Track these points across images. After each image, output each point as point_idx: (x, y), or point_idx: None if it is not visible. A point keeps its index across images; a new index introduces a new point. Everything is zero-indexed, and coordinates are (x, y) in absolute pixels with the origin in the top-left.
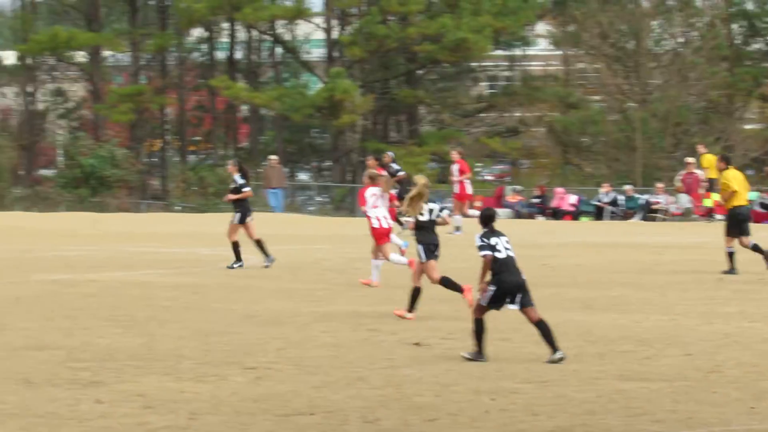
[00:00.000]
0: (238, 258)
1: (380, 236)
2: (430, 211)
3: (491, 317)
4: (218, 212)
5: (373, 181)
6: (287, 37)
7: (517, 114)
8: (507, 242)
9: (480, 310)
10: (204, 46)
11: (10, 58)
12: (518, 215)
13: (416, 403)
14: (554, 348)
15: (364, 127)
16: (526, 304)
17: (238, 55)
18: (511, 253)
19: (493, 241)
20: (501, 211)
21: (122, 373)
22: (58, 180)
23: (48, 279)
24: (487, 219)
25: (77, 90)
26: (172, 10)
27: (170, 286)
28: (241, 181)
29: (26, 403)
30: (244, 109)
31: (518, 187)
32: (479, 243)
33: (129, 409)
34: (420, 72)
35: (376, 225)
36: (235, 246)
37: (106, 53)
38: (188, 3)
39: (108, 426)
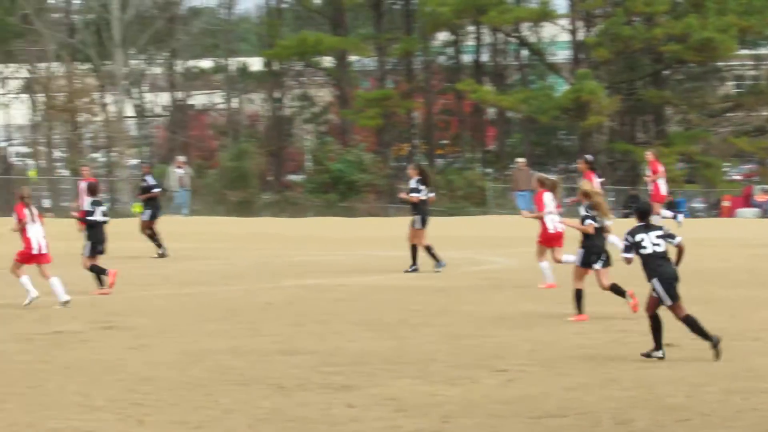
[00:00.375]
0: (437, 259)
1: (551, 240)
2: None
3: (743, 319)
4: (467, 215)
5: (544, 185)
6: (533, 39)
7: (765, 113)
8: (656, 237)
9: (678, 309)
10: (450, 50)
11: (256, 64)
12: (766, 214)
13: (668, 404)
14: (658, 345)
15: (611, 128)
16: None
17: (484, 57)
18: (658, 249)
19: (638, 237)
20: (749, 211)
21: (374, 376)
22: (306, 185)
23: (298, 284)
24: (643, 213)
25: (323, 95)
26: (418, 14)
27: (420, 289)
28: (414, 185)
29: (279, 408)
30: (491, 111)
31: (766, 187)
32: (624, 243)
33: (381, 412)
34: (666, 72)
35: (551, 229)
36: (428, 249)
37: (352, 58)
38: (433, 7)
39: (360, 430)
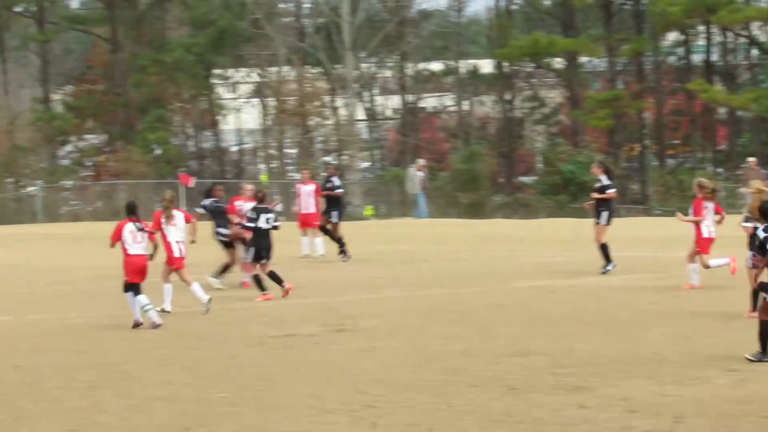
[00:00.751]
0: (608, 259)
1: (704, 245)
2: None
3: None
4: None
5: (703, 190)
6: (763, 38)
7: None
8: None
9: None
10: (680, 50)
11: (486, 66)
12: None
13: None
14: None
15: None
16: None
17: (714, 57)
18: None
19: None
20: None
21: (606, 377)
22: (537, 187)
23: (530, 285)
24: (766, 214)
25: (554, 96)
26: (648, 14)
27: (651, 289)
28: (607, 182)
29: (510, 410)
30: (722, 111)
31: None
32: (764, 235)
33: (612, 413)
34: None
35: (705, 234)
36: (604, 248)
37: (583, 59)
38: (663, 6)
39: (592, 431)
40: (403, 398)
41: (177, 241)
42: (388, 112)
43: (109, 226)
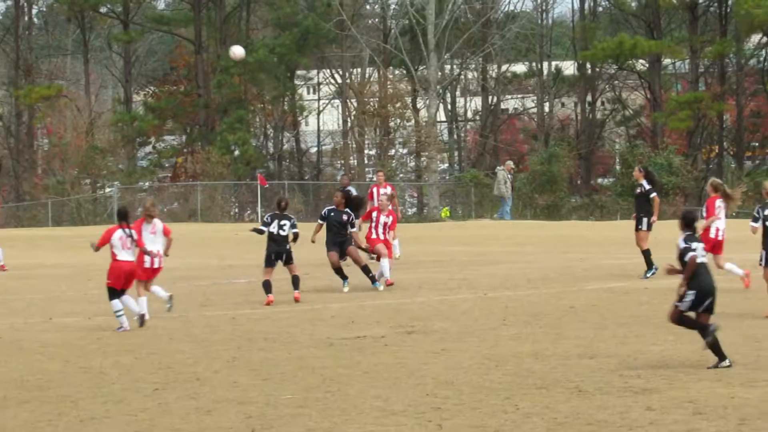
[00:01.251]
0: (650, 265)
1: (713, 247)
2: None
3: None
4: None
5: (717, 191)
6: None
7: None
8: (702, 249)
9: (676, 315)
10: (763, 52)
11: (569, 68)
12: None
13: None
14: (721, 357)
15: None
16: (708, 311)
17: None
18: (705, 260)
19: (693, 245)
20: None
21: (674, 379)
22: (614, 188)
23: (602, 287)
24: (689, 221)
25: (635, 98)
26: (733, 16)
27: (722, 292)
28: (648, 187)
29: (577, 411)
30: None
31: None
32: (683, 245)
33: (679, 415)
34: None
35: (712, 235)
36: (646, 254)
37: (666, 61)
38: (748, 9)
39: None
40: (470, 400)
41: (150, 251)
42: (469, 114)
43: (185, 228)
